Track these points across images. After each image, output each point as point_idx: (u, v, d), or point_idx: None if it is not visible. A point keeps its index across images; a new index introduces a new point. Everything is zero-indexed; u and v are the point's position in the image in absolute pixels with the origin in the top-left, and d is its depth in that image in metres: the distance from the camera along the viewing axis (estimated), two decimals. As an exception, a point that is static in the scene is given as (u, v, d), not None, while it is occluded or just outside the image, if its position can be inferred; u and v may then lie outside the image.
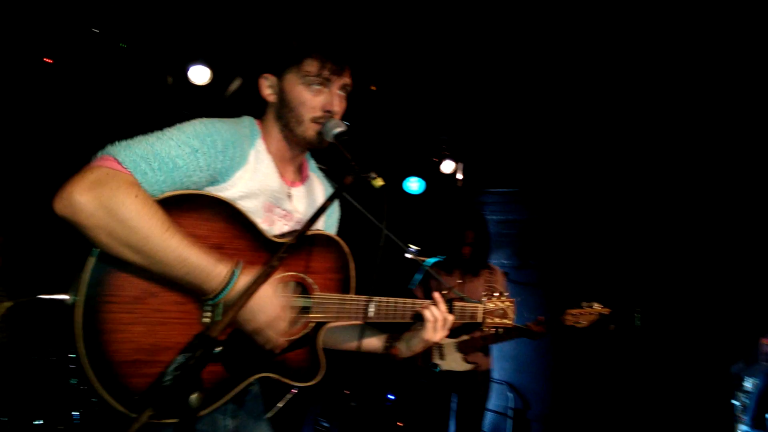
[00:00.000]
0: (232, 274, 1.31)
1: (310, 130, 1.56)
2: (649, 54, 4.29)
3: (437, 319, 1.67)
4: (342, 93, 1.61)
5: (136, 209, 1.24)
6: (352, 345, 1.77)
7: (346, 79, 1.59)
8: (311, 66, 1.53)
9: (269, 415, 3.80)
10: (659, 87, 4.67)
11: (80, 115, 3.95)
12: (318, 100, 1.55)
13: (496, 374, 5.88)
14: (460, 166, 6.32)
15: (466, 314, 1.87)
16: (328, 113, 1.55)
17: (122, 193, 1.23)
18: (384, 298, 1.66)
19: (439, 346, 3.80)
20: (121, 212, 1.22)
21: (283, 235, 1.58)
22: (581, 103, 5.22)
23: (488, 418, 5.70)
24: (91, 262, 1.28)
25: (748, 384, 5.01)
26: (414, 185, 6.16)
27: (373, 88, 5.34)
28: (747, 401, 4.87)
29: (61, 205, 1.21)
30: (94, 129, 3.82)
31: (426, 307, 1.69)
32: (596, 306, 3.42)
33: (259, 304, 1.33)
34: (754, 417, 4.71)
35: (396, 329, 1.78)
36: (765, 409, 4.64)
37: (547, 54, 4.60)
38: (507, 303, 1.97)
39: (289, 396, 3.88)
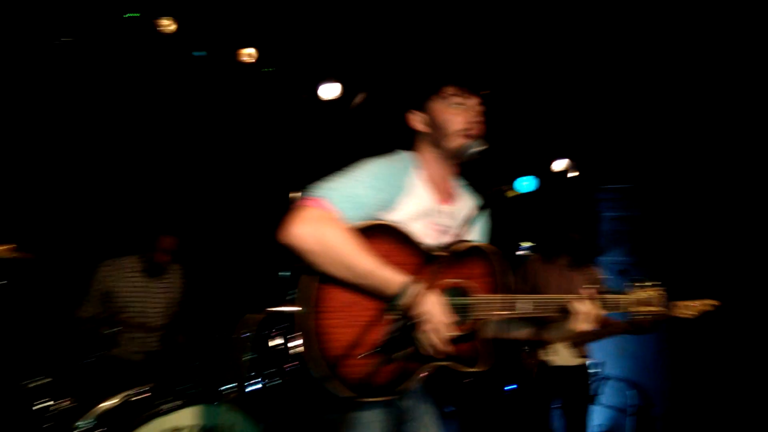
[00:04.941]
0: (406, 285, 1.64)
1: (456, 141, 1.89)
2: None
3: (589, 312, 1.84)
4: (478, 108, 1.93)
5: (342, 238, 1.64)
6: (509, 334, 2.06)
7: (479, 99, 1.92)
8: (450, 90, 1.90)
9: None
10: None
11: (229, 133, 4.56)
12: (460, 116, 1.89)
13: (613, 371, 5.88)
14: (573, 163, 6.31)
15: (611, 306, 1.98)
16: (470, 125, 1.88)
17: (332, 227, 1.64)
18: (535, 296, 1.90)
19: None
20: (332, 241, 1.63)
21: (442, 249, 1.88)
22: (698, 95, 5.05)
23: (606, 415, 5.73)
24: (311, 281, 1.66)
25: None
26: (526, 184, 6.22)
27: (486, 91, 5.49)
28: None
29: (287, 238, 1.64)
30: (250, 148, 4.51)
31: (576, 301, 1.86)
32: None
33: (425, 311, 1.64)
34: None
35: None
36: None
37: (660, 47, 4.53)
38: (653, 291, 2.00)
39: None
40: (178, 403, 2.70)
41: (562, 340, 1.96)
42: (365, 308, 1.69)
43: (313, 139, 5.00)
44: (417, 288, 1.63)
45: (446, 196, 2.00)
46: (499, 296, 1.86)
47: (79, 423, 2.80)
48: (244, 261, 4.84)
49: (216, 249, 4.90)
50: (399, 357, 1.66)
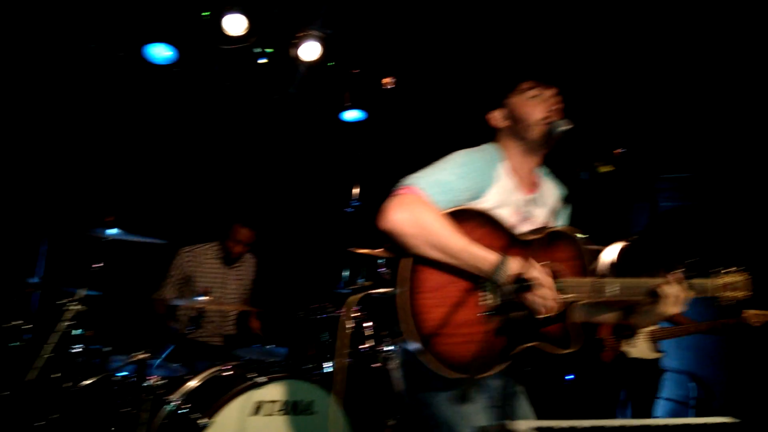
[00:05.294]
0: (502, 261, 1.71)
1: (537, 131, 1.98)
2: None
3: (678, 295, 1.88)
4: (556, 97, 2.01)
5: (435, 220, 1.74)
6: (595, 318, 2.11)
7: (555, 89, 2.02)
8: (526, 85, 2.01)
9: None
10: None
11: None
12: (539, 106, 1.98)
13: (674, 363, 5.80)
14: (629, 152, 6.20)
15: (698, 289, 1.99)
16: (550, 113, 1.96)
17: (426, 210, 1.75)
18: (623, 279, 1.92)
19: (633, 334, 3.99)
20: (427, 223, 1.73)
21: (529, 233, 1.96)
22: (756, 85, 4.92)
23: (667, 407, 5.66)
24: (407, 264, 1.76)
25: None
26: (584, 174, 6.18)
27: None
28: None
29: (385, 223, 1.75)
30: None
31: (664, 284, 1.90)
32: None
33: (536, 276, 1.70)
34: None
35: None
36: None
37: (721, 37, 4.46)
38: (738, 276, 1.99)
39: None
40: (263, 379, 2.86)
41: (649, 324, 1.98)
42: (458, 289, 1.78)
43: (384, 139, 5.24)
44: (517, 260, 1.71)
45: (530, 185, 2.08)
46: (587, 279, 1.92)
47: (169, 398, 3.00)
48: (313, 252, 5.10)
49: (288, 240, 5.22)
50: (516, 317, 1.71)
